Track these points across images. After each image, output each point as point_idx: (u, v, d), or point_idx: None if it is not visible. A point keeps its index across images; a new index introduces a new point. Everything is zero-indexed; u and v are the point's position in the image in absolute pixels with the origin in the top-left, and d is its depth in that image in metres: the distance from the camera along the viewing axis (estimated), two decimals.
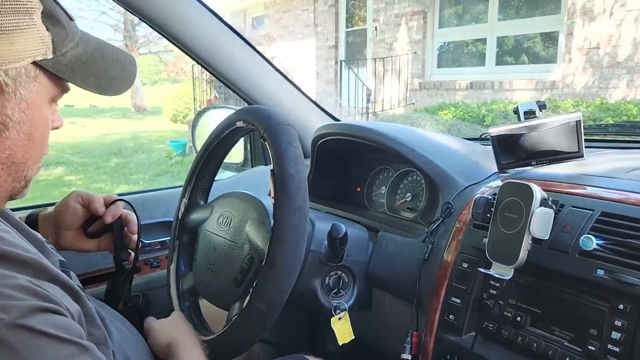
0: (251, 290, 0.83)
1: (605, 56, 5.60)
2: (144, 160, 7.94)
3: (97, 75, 0.65)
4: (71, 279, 0.69)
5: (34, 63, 0.58)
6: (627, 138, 1.20)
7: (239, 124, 0.96)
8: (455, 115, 6.00)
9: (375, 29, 8.45)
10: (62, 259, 0.75)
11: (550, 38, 6.46)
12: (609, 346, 0.66)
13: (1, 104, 0.57)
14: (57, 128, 0.70)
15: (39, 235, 0.73)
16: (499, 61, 7.05)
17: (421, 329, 0.92)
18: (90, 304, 0.64)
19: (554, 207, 0.75)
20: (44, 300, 0.52)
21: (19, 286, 0.51)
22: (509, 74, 6.70)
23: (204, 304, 1.05)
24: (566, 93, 5.89)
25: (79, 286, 0.69)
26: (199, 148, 1.24)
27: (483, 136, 1.39)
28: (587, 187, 0.83)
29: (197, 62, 1.30)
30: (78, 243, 0.95)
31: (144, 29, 14.26)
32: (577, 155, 0.95)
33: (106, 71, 0.67)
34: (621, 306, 0.66)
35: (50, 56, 0.59)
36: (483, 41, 7.20)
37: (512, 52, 6.98)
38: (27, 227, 0.71)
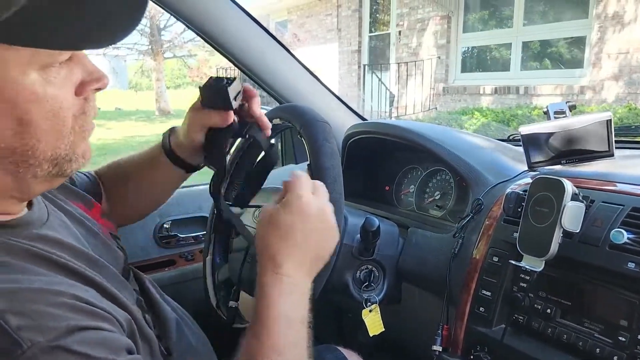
0: None
1: (634, 61, 5.51)
2: None
3: (76, 26, 0.48)
4: (129, 278, 0.72)
5: None
6: None
7: (276, 121, 1.00)
8: (479, 121, 5.97)
9: (399, 34, 8.47)
10: (126, 257, 0.76)
11: (576, 43, 6.39)
12: None
13: None
14: (99, 89, 0.57)
15: (106, 230, 0.74)
16: (524, 66, 6.99)
17: (451, 322, 0.95)
18: (136, 312, 0.62)
19: (584, 201, 0.77)
20: (86, 318, 0.50)
21: (62, 303, 0.49)
22: (534, 79, 6.64)
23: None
24: (593, 99, 5.82)
25: (135, 290, 0.71)
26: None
27: (511, 137, 1.41)
28: (617, 184, 0.84)
29: (232, 62, 1.34)
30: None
31: (169, 34, 14.50)
32: (607, 154, 0.96)
33: (88, 21, 0.49)
34: None
35: None
36: (508, 46, 7.16)
37: (538, 57, 6.92)
38: (90, 223, 0.70)
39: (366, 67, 9.07)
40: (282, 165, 1.60)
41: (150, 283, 0.82)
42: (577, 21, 6.27)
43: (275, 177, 1.54)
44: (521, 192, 0.83)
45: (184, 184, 1.52)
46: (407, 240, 1.09)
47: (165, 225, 1.38)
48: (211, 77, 0.81)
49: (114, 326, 0.53)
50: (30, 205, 0.60)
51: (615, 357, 0.70)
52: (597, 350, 0.72)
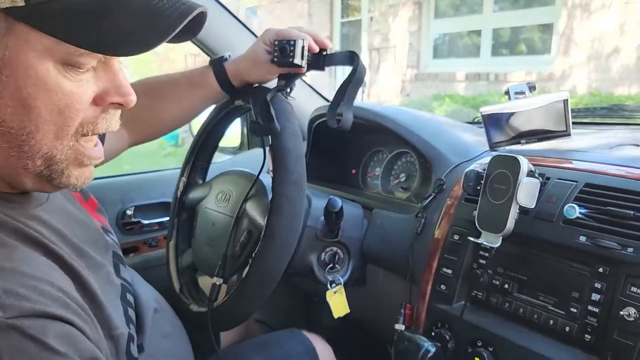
0: (250, 261, 0.87)
1: (601, 48, 5.63)
2: (136, 151, 7.89)
3: (102, 32, 0.49)
4: (120, 272, 0.70)
5: (4, 12, 0.46)
6: (614, 121, 1.24)
7: (237, 102, 0.99)
8: (450, 106, 6.04)
9: (371, 20, 8.45)
10: (119, 251, 0.75)
11: (545, 30, 6.49)
12: (589, 307, 0.70)
13: None
14: (120, 105, 0.56)
15: (98, 224, 0.73)
16: (495, 52, 7.07)
17: (414, 301, 0.96)
18: (115, 308, 0.61)
19: (540, 178, 0.78)
20: (56, 306, 0.47)
21: (34, 287, 0.46)
22: (504, 66, 6.72)
23: (203, 279, 1.09)
24: (561, 85, 5.93)
25: (125, 282, 0.70)
26: (194, 131, 1.27)
27: (476, 119, 1.42)
28: (572, 161, 0.87)
29: (201, 49, 1.32)
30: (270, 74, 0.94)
31: None
32: (564, 133, 0.98)
33: (123, 25, 0.49)
34: (601, 269, 0.70)
35: (21, 3, 0.46)
36: (478, 33, 7.22)
37: (508, 43, 7.01)
38: (84, 215, 0.69)
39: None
40: (248, 149, 1.59)
41: (133, 273, 0.82)
42: (545, 8, 6.36)
43: (241, 162, 1.54)
44: (480, 171, 0.84)
45: (147, 169, 1.49)
46: (372, 222, 1.09)
47: (127, 212, 1.35)
48: (276, 41, 0.89)
49: (85, 324, 0.50)
50: None
51: (567, 328, 0.72)
52: (551, 322, 0.74)
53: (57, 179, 0.55)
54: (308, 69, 0.91)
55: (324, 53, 0.91)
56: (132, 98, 0.56)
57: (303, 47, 0.87)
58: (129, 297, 0.70)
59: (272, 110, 0.86)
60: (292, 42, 0.86)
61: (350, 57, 0.89)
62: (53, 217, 0.58)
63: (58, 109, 0.50)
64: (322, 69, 0.93)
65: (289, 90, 0.93)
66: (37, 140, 0.51)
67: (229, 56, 0.97)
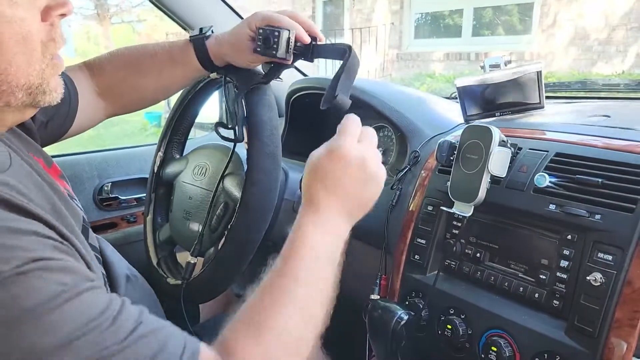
0: (226, 233, 0.87)
1: (580, 29, 5.68)
2: (118, 133, 7.81)
3: None
4: (89, 239, 0.69)
5: None
6: (587, 95, 1.26)
7: (213, 75, 0.97)
8: (431, 85, 6.06)
9: None
10: (86, 218, 0.73)
11: (525, 9, 6.51)
12: (558, 274, 0.72)
13: None
14: (64, 15, 0.58)
15: (64, 190, 0.71)
16: (476, 32, 7.08)
17: (389, 272, 0.97)
18: (97, 269, 0.61)
19: (511, 148, 0.79)
20: (48, 250, 0.49)
21: (20, 239, 0.48)
22: (484, 46, 6.74)
23: (181, 254, 1.09)
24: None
25: (94, 246, 0.70)
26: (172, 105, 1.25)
27: (453, 95, 1.43)
28: (545, 132, 0.88)
29: (182, 27, 1.30)
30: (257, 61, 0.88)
31: None
32: (538, 106, 0.99)
33: None
34: (569, 236, 0.72)
35: None
36: (460, 12, 7.21)
37: (489, 23, 7.02)
38: (49, 179, 0.68)
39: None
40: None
41: (103, 242, 0.81)
42: None
43: (219, 138, 1.52)
44: (453, 142, 0.85)
45: (123, 145, 1.48)
46: None
47: (105, 188, 1.33)
48: (260, 29, 0.81)
49: (73, 258, 0.52)
50: None
51: (537, 294, 0.74)
52: (521, 289, 0.76)
53: (40, 101, 0.58)
54: (295, 60, 0.84)
55: (313, 43, 0.84)
56: (70, 6, 0.58)
57: (289, 39, 0.80)
58: (100, 262, 0.70)
59: (238, 114, 0.83)
60: (276, 33, 0.80)
61: (342, 51, 0.82)
62: (21, 182, 0.57)
63: (22, 37, 0.53)
64: (310, 60, 0.85)
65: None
66: (13, 76, 0.54)
67: (212, 31, 0.92)
